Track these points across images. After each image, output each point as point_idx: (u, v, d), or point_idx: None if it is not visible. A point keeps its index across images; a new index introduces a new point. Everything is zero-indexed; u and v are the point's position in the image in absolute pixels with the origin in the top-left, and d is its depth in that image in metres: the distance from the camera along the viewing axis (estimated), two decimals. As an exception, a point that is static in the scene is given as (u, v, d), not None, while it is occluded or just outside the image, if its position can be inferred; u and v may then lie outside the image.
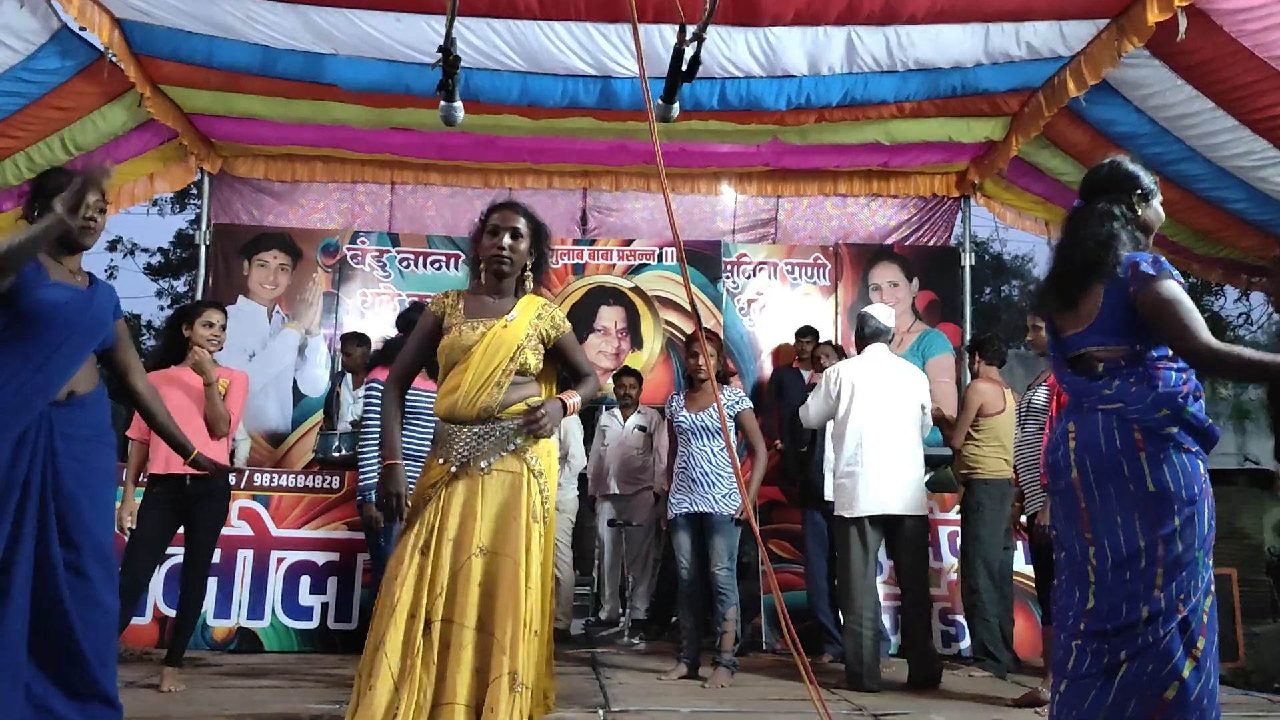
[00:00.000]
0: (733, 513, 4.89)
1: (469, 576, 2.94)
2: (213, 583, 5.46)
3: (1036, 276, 22.70)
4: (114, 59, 5.52)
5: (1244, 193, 5.99)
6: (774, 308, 7.88)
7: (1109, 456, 2.48)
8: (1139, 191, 2.67)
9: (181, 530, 4.48)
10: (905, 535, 4.98)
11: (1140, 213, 2.66)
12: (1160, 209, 2.72)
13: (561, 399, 3.17)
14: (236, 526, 5.65)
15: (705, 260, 7.81)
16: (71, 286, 2.99)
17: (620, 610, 6.39)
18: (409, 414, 4.63)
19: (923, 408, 5.06)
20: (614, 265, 7.84)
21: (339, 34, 5.42)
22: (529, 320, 3.18)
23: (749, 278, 7.94)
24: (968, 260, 8.05)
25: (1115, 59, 5.27)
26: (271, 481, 5.82)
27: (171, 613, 5.38)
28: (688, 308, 7.50)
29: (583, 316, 7.70)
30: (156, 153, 7.01)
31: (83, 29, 5.30)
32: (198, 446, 3.79)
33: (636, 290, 7.80)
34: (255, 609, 5.59)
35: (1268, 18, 4.71)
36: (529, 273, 3.29)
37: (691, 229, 8.04)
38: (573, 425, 6.59)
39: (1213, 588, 2.45)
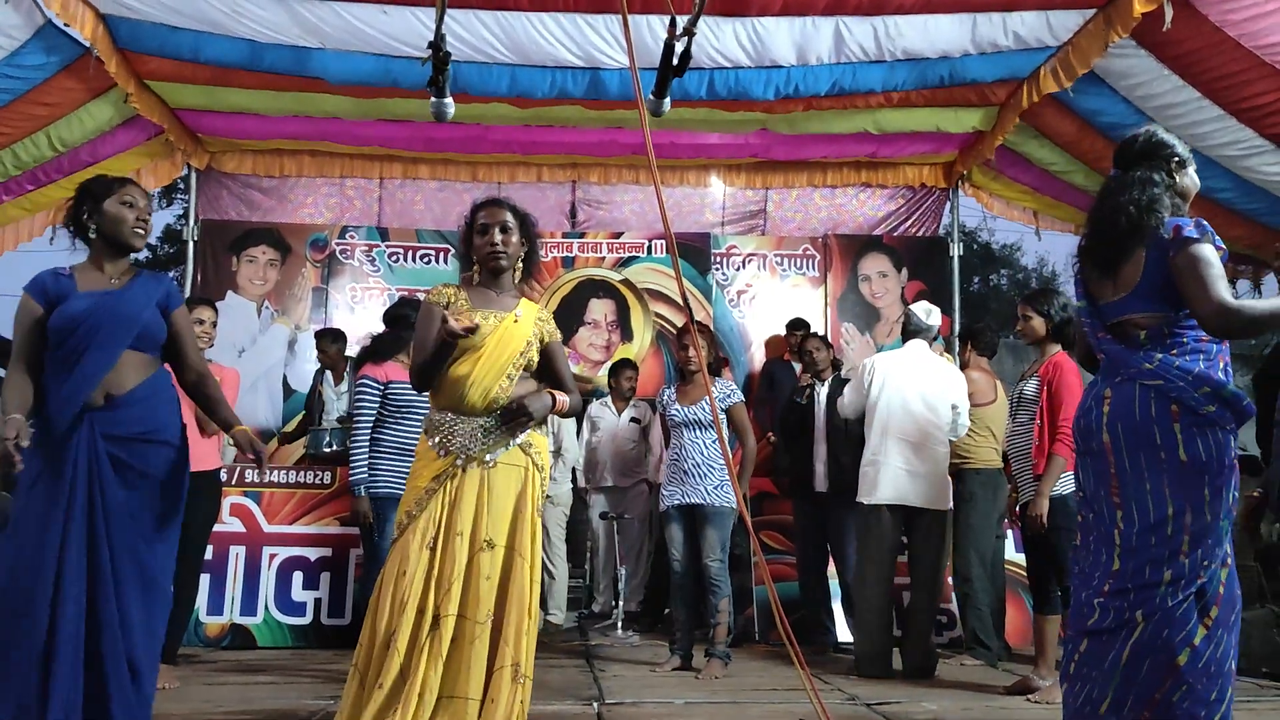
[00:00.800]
0: (725, 504, 4.91)
1: (480, 571, 2.95)
2: (205, 579, 5.46)
3: (1024, 265, 22.82)
4: (97, 55, 5.48)
5: (1230, 182, 6.03)
6: (764, 299, 7.89)
7: (1143, 426, 2.49)
8: (1176, 159, 2.70)
9: None
10: (923, 528, 5.02)
11: (1178, 180, 2.68)
12: (1196, 177, 2.74)
13: (553, 393, 3.17)
14: (228, 523, 5.63)
15: (695, 252, 7.81)
16: (98, 292, 2.97)
17: (613, 603, 6.41)
18: (401, 406, 4.63)
19: (954, 407, 5.06)
20: (603, 258, 7.84)
21: (326, 27, 5.40)
22: (533, 321, 3.22)
23: (738, 269, 7.95)
24: (956, 250, 8.08)
25: (1102, 49, 5.29)
26: (262, 478, 5.80)
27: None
28: (677, 300, 7.51)
29: (573, 309, 7.70)
30: (143, 148, 6.99)
31: (66, 25, 5.26)
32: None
33: (626, 283, 7.81)
34: (248, 605, 5.59)
35: (1252, 7, 4.74)
36: (520, 265, 3.30)
37: (681, 221, 8.04)
38: (566, 420, 6.60)
39: (1230, 559, 2.48)
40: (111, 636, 2.80)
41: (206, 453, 4.43)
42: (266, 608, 5.59)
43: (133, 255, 3.13)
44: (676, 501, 5.02)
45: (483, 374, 3.07)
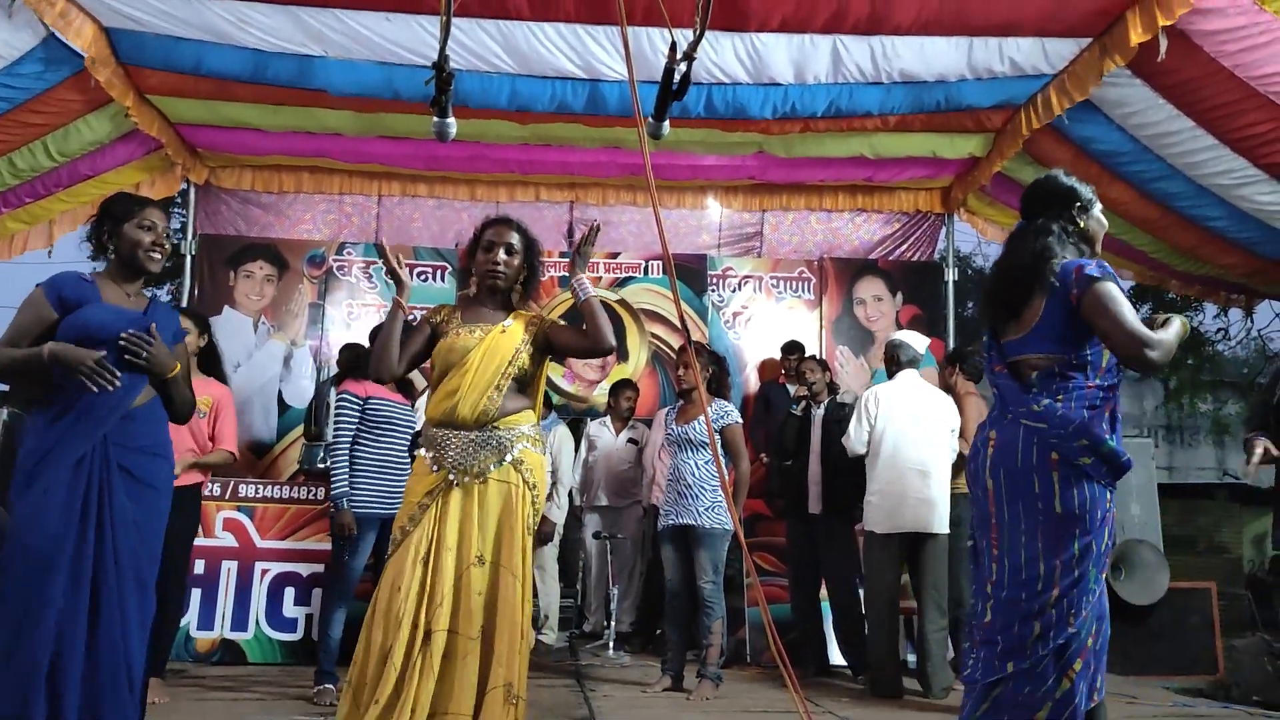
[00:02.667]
0: (716, 525, 4.92)
1: (470, 587, 2.94)
2: (196, 594, 5.44)
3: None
4: (94, 73, 5.48)
5: (1223, 210, 6.07)
6: (759, 321, 7.91)
7: (1023, 472, 2.55)
8: (1078, 204, 2.76)
9: None
10: (932, 552, 5.12)
11: (1082, 224, 2.75)
12: (1102, 217, 2.81)
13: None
14: (220, 538, 5.62)
15: (691, 274, 7.83)
16: (126, 310, 3.02)
17: (605, 623, 6.39)
18: (380, 423, 4.63)
19: (951, 432, 5.18)
20: (600, 278, 7.86)
21: (329, 33, 5.42)
22: (523, 327, 3.23)
23: (734, 291, 7.98)
24: (951, 275, 8.12)
25: (1098, 78, 5.34)
26: (256, 493, 5.79)
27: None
28: (674, 321, 7.53)
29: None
30: (142, 162, 6.99)
31: (67, 39, 5.26)
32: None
33: (622, 303, 7.82)
34: (239, 620, 5.55)
35: (1246, 39, 4.79)
36: (520, 287, 3.32)
37: (677, 242, 8.07)
38: (564, 442, 6.59)
39: (1105, 609, 2.53)
40: (111, 644, 2.83)
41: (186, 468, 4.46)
42: (257, 623, 5.56)
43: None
44: (671, 522, 5.02)
45: (471, 387, 3.08)
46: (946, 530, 5.12)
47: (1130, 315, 2.47)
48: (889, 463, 5.10)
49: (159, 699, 4.29)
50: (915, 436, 5.11)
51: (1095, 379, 2.56)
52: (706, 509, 4.93)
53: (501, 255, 3.22)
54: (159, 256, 3.05)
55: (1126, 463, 2.55)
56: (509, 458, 3.09)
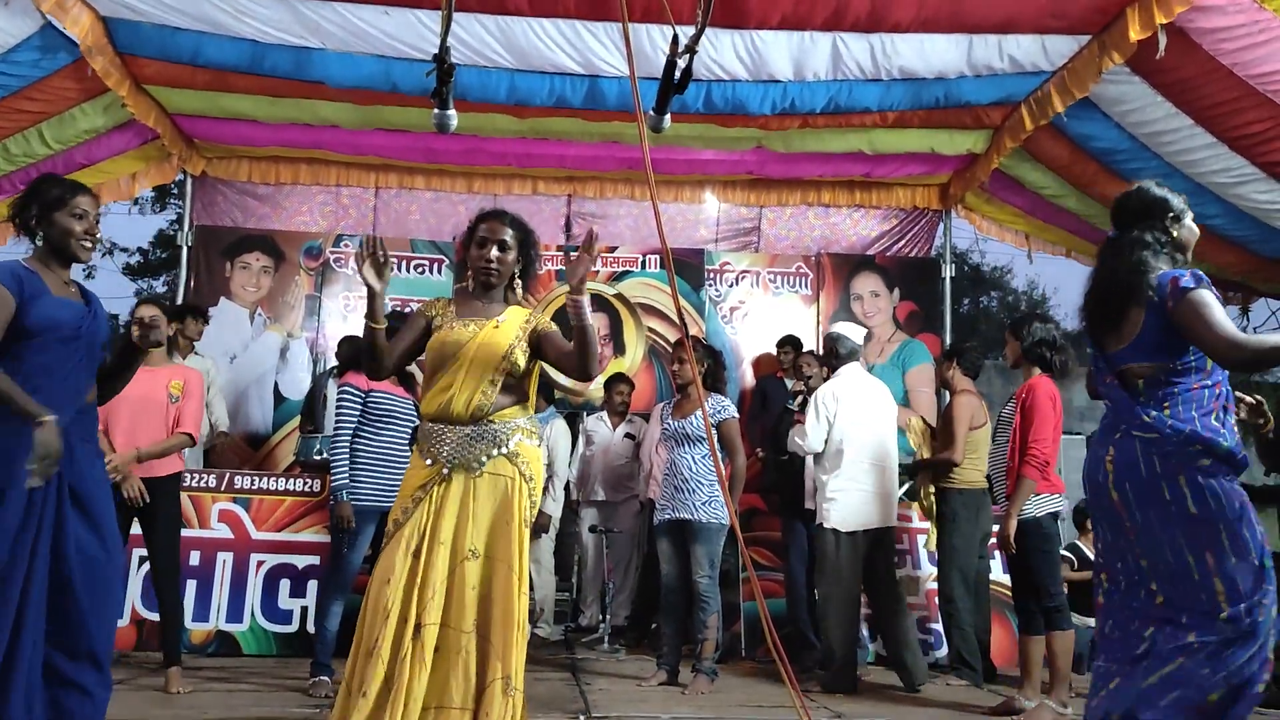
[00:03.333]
0: (712, 520, 4.93)
1: (464, 580, 2.93)
2: (191, 585, 5.44)
3: (1015, 288, 22.94)
4: (90, 62, 5.46)
5: (1221, 209, 6.08)
6: (756, 316, 7.92)
7: (1149, 481, 2.62)
8: (1171, 214, 2.82)
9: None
10: (885, 545, 5.19)
11: (1175, 234, 2.80)
12: (1194, 226, 2.86)
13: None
14: (216, 529, 5.61)
15: (688, 268, 7.83)
16: (74, 303, 3.00)
17: (600, 617, 6.39)
18: (381, 416, 4.62)
19: (894, 423, 5.29)
20: (597, 272, 7.86)
21: (328, 26, 5.40)
22: (518, 324, 3.20)
23: (731, 286, 7.98)
24: (948, 272, 8.13)
25: (1097, 75, 5.34)
26: (252, 484, 5.78)
27: (150, 615, 5.36)
28: (671, 315, 7.53)
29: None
30: (138, 152, 6.98)
31: (64, 27, 5.24)
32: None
33: (620, 297, 7.82)
34: (234, 612, 5.55)
35: (1244, 37, 4.80)
36: (518, 280, 3.31)
37: (675, 237, 8.07)
38: (560, 436, 6.59)
39: (1263, 599, 2.53)
40: (71, 635, 2.88)
41: (169, 457, 4.49)
42: (253, 615, 5.56)
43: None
44: (668, 517, 5.02)
45: (464, 383, 3.07)
46: (895, 523, 5.27)
47: (1220, 318, 2.53)
48: (852, 459, 5.08)
49: (180, 689, 4.33)
50: (871, 431, 5.14)
51: (1200, 380, 2.63)
52: (703, 503, 4.93)
53: (494, 252, 3.20)
54: (90, 245, 3.02)
55: (1243, 459, 2.61)
56: (504, 450, 3.08)
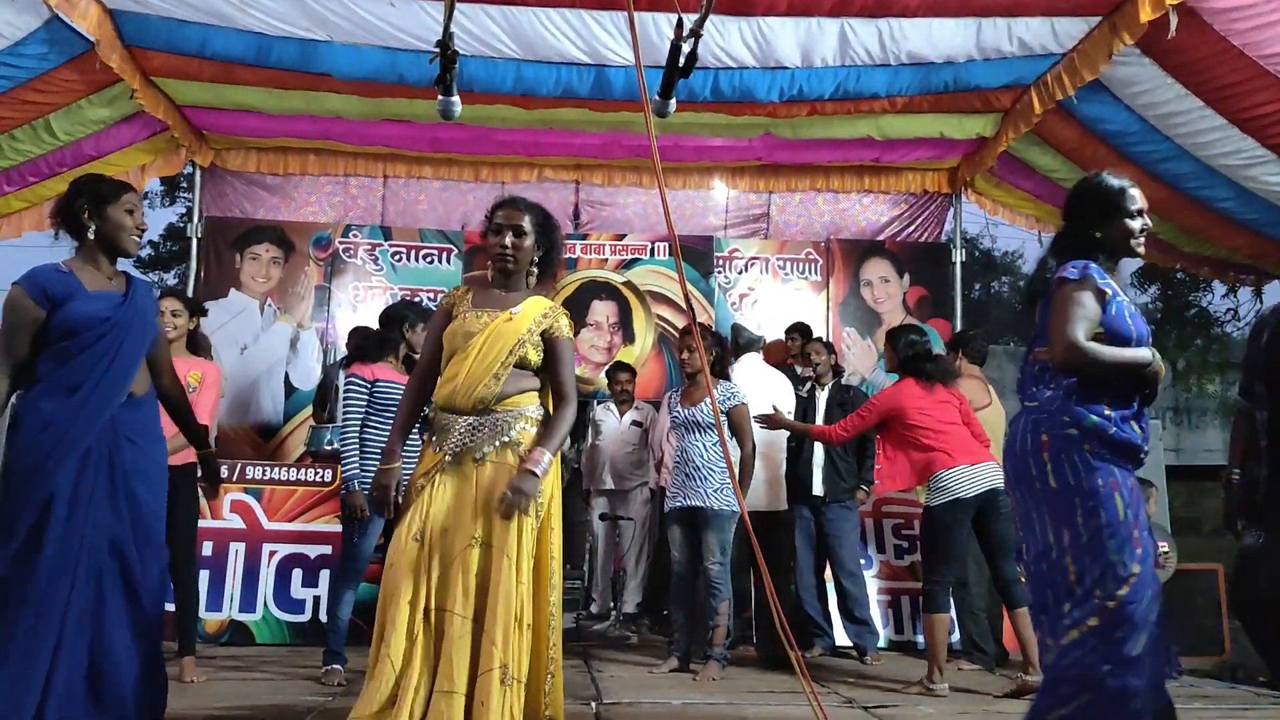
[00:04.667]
0: (725, 507, 4.93)
1: (466, 567, 2.93)
2: (205, 576, 5.47)
3: (1026, 273, 22.85)
4: (100, 53, 5.47)
5: (1232, 191, 6.03)
6: (766, 303, 7.90)
7: (1020, 456, 2.72)
8: (1099, 212, 2.84)
9: None
10: (774, 528, 5.43)
11: (1099, 235, 2.83)
12: (1129, 222, 2.84)
13: (530, 469, 2.99)
14: (228, 520, 5.65)
15: (697, 255, 7.82)
16: (109, 294, 3.05)
17: (611, 604, 6.42)
18: (388, 405, 4.62)
19: (790, 410, 5.53)
20: (606, 260, 7.85)
21: (333, 18, 5.39)
22: (533, 317, 3.17)
23: (741, 273, 7.96)
24: (959, 256, 8.09)
25: (1107, 57, 5.29)
26: (264, 475, 5.82)
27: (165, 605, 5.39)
28: (680, 302, 7.52)
29: (575, 311, 7.64)
30: (146, 144, 6.98)
31: (71, 20, 5.25)
32: None
33: (628, 285, 7.81)
34: (247, 602, 5.59)
35: (1256, 17, 4.74)
36: (535, 266, 3.28)
37: (683, 224, 8.04)
38: None
39: (1130, 576, 2.53)
40: (111, 630, 2.89)
41: (184, 446, 4.47)
42: (266, 605, 5.60)
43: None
44: (679, 504, 5.03)
45: (470, 374, 3.06)
46: (782, 508, 5.52)
47: (1072, 317, 2.63)
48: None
49: (195, 678, 4.37)
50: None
51: None
52: (715, 490, 4.94)
53: (510, 238, 3.18)
54: (138, 239, 3.11)
55: (1123, 442, 2.63)
56: (506, 439, 3.07)
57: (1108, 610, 2.49)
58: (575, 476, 7.20)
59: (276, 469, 5.89)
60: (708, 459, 4.99)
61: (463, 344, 3.10)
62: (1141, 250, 2.87)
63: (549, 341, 3.18)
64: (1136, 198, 2.84)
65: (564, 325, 3.22)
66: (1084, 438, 2.61)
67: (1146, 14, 4.82)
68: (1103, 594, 2.51)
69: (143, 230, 3.14)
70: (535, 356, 3.15)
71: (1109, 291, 2.71)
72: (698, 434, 5.02)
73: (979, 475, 4.76)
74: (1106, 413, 2.63)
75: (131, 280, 3.15)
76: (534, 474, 2.98)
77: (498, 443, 3.06)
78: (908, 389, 4.94)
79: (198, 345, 4.76)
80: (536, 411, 3.16)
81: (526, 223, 3.21)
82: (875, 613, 5.87)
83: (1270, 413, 3.10)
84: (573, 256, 7.82)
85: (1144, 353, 2.69)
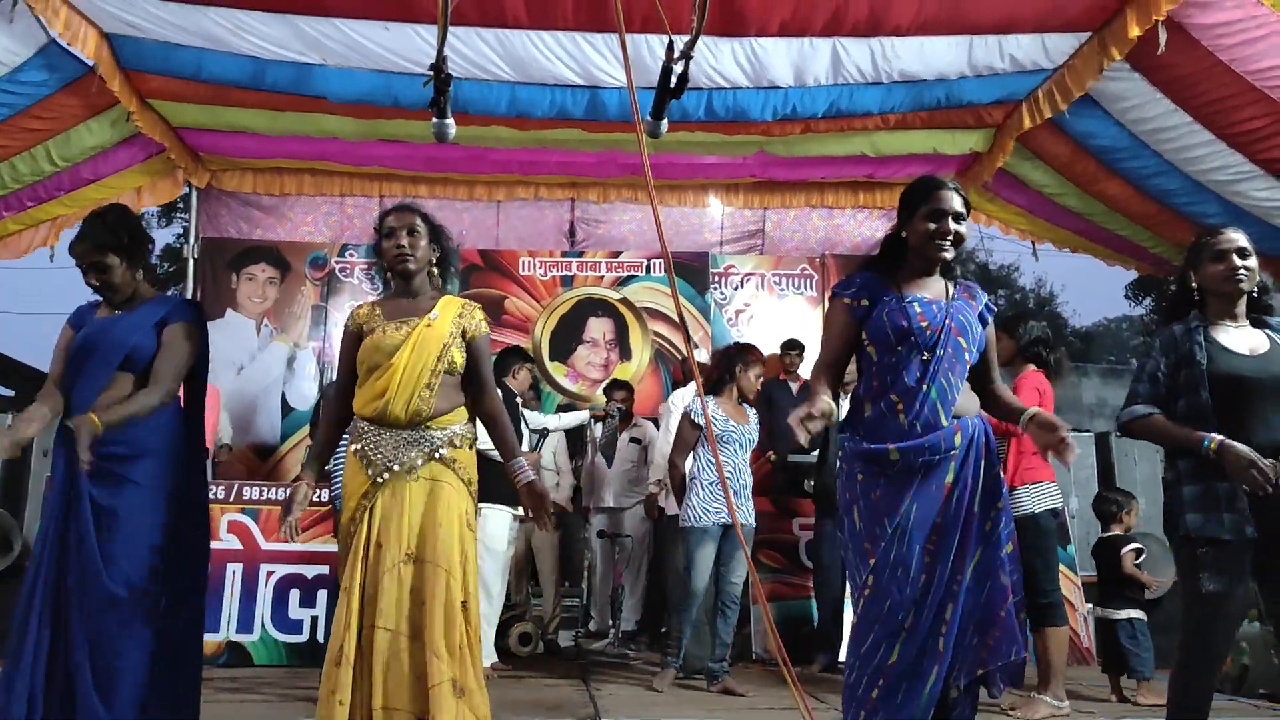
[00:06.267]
0: (752, 523, 5.07)
1: (400, 583, 2.91)
2: (202, 596, 5.46)
3: (1022, 286, 22.92)
4: (100, 75, 5.52)
5: (1220, 207, 6.06)
6: (761, 318, 7.93)
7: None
8: (904, 209, 2.83)
9: None
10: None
11: (906, 234, 2.82)
12: (922, 224, 2.74)
13: (518, 459, 3.18)
14: (225, 540, 5.64)
15: (693, 271, 7.85)
16: (100, 320, 3.19)
17: (610, 622, 6.40)
18: None
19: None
20: (602, 277, 7.88)
21: (328, 42, 5.44)
22: (451, 318, 3.15)
23: (736, 288, 7.99)
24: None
25: (1097, 72, 5.35)
26: (260, 495, 5.81)
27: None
28: (675, 319, 7.53)
29: (571, 328, 7.74)
30: (143, 166, 7.02)
31: (69, 45, 5.30)
32: None
33: (625, 301, 7.84)
34: (244, 622, 5.58)
35: (1243, 33, 4.80)
36: (435, 269, 3.25)
37: (679, 240, 8.08)
38: (558, 443, 6.59)
39: (865, 586, 2.63)
40: (79, 646, 2.92)
41: None
42: (263, 625, 5.58)
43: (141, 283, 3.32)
44: (720, 520, 4.90)
45: (402, 387, 3.02)
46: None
47: (821, 341, 2.83)
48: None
49: None
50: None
51: (871, 374, 2.74)
52: (751, 508, 5.07)
53: (405, 238, 3.14)
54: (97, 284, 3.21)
55: (868, 449, 2.67)
56: (439, 455, 3.06)
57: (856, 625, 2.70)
58: (574, 493, 7.19)
59: (274, 489, 5.88)
60: (747, 478, 5.09)
61: (385, 359, 3.05)
62: (943, 255, 2.72)
63: (470, 343, 3.18)
64: (943, 199, 2.72)
65: (480, 320, 3.23)
66: (850, 456, 2.78)
67: (1135, 28, 4.87)
68: (855, 607, 2.73)
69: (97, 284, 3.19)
70: (460, 358, 3.13)
71: (866, 300, 2.71)
72: (741, 450, 5.05)
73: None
74: (864, 418, 2.74)
75: (146, 302, 3.27)
76: (530, 475, 3.16)
77: (431, 459, 3.05)
78: (1040, 377, 4.61)
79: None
80: (467, 429, 3.16)
81: (418, 223, 3.19)
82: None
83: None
84: (569, 274, 7.85)
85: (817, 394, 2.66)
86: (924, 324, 2.65)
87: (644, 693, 4.91)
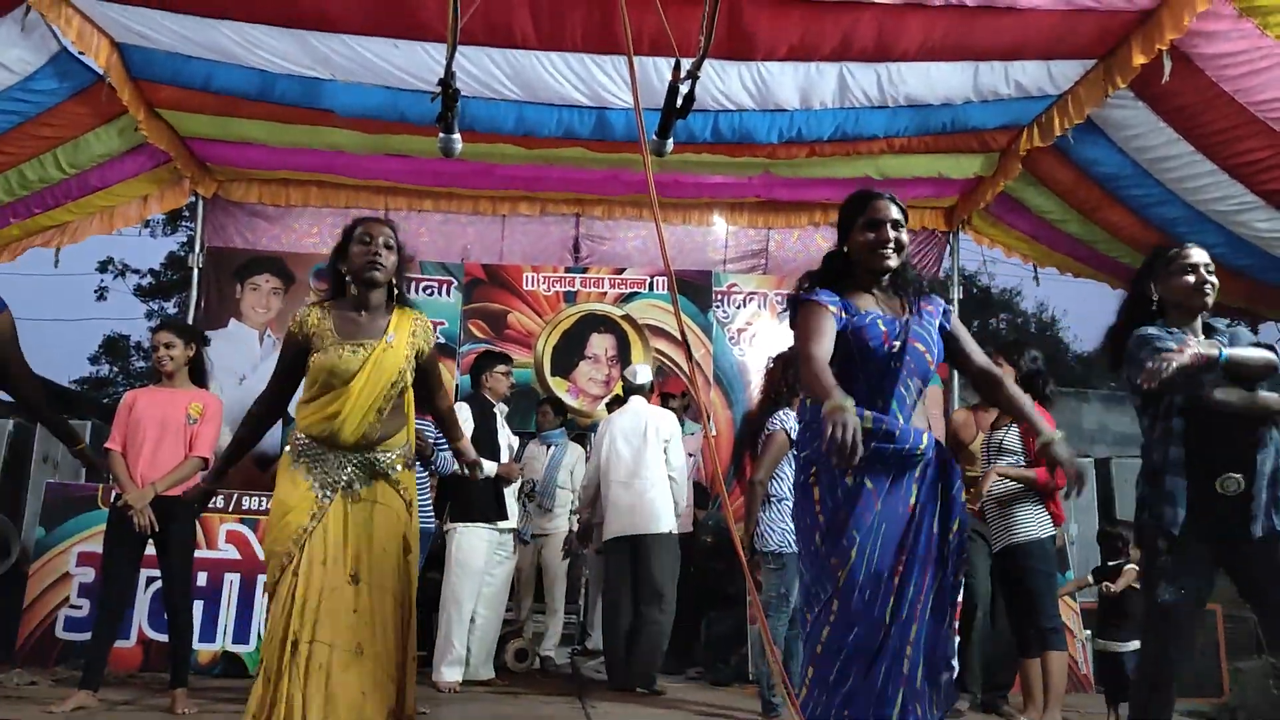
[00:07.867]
0: None
1: (346, 603, 2.90)
2: (198, 606, 5.44)
3: (1024, 310, 22.91)
4: (110, 84, 5.55)
5: (1222, 237, 6.06)
6: (764, 338, 7.93)
7: None
8: (843, 223, 2.89)
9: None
10: (648, 550, 5.45)
11: (848, 248, 2.87)
12: (860, 234, 2.81)
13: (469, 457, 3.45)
14: (223, 550, 5.64)
15: (696, 290, 7.87)
16: None
17: (606, 639, 6.37)
18: None
19: (666, 442, 5.63)
20: (605, 293, 7.89)
21: (337, 58, 5.48)
22: (406, 339, 3.15)
23: (739, 307, 8.00)
24: (956, 293, 8.12)
25: (1101, 99, 5.37)
26: (259, 505, 5.81)
27: (156, 636, 5.38)
28: (678, 336, 7.54)
29: (573, 343, 7.74)
30: (150, 175, 7.04)
31: (81, 53, 5.34)
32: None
33: (627, 318, 7.85)
34: (241, 633, 5.57)
35: (1247, 64, 4.82)
36: (395, 286, 3.23)
37: (683, 259, 8.09)
38: (577, 462, 6.53)
39: (830, 607, 2.56)
40: None
41: (183, 479, 4.52)
42: (259, 636, 5.57)
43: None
44: (780, 550, 4.68)
45: (354, 410, 3.01)
46: (658, 530, 5.47)
47: (798, 335, 2.67)
48: (604, 479, 5.63)
49: (185, 709, 4.35)
50: (621, 450, 5.60)
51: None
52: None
53: (381, 248, 3.13)
54: None
55: (814, 455, 2.64)
56: (387, 477, 3.07)
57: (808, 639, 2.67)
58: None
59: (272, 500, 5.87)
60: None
61: (341, 383, 3.02)
62: (887, 263, 2.70)
63: (423, 363, 3.21)
64: (879, 208, 2.73)
65: (430, 333, 3.26)
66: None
67: (1140, 57, 4.89)
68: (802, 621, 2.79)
69: None
70: (410, 378, 3.17)
71: (842, 311, 2.66)
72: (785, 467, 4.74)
73: None
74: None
75: None
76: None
77: (376, 481, 3.06)
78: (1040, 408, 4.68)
79: (202, 374, 4.77)
80: (406, 449, 3.18)
81: (393, 238, 3.19)
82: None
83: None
84: (572, 290, 7.86)
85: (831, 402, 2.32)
86: (884, 340, 2.64)
87: (638, 710, 4.90)
